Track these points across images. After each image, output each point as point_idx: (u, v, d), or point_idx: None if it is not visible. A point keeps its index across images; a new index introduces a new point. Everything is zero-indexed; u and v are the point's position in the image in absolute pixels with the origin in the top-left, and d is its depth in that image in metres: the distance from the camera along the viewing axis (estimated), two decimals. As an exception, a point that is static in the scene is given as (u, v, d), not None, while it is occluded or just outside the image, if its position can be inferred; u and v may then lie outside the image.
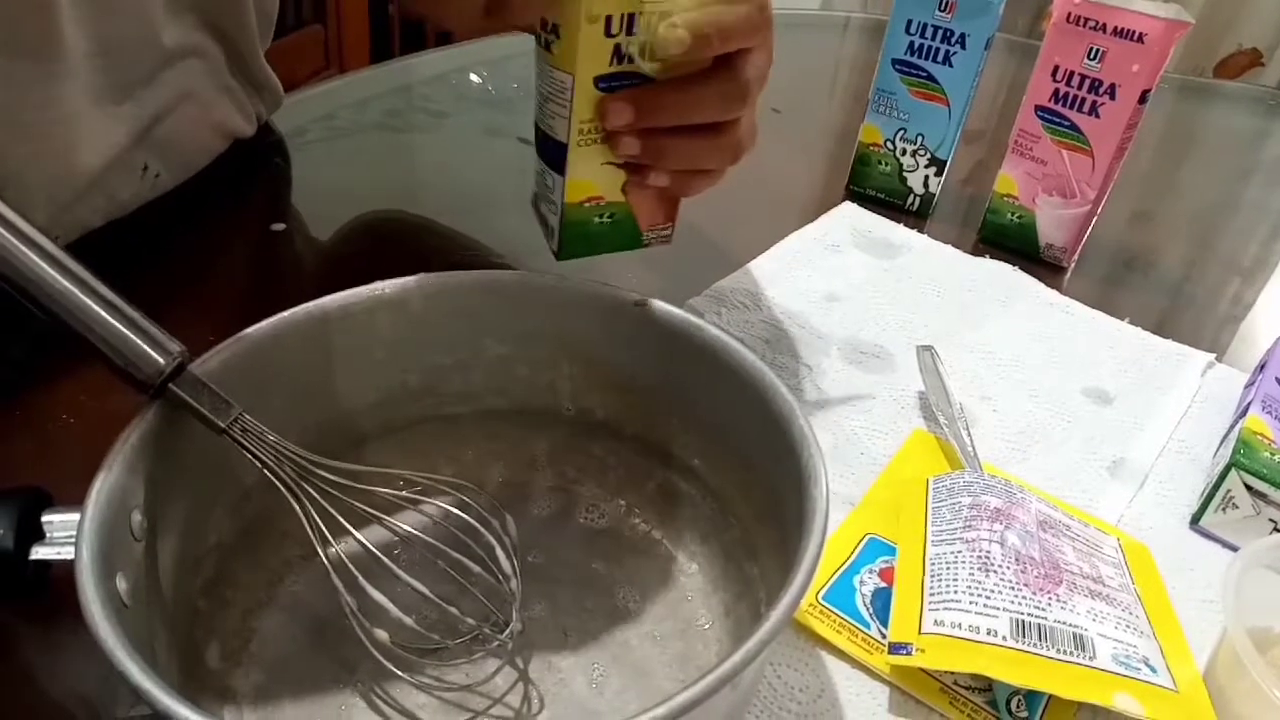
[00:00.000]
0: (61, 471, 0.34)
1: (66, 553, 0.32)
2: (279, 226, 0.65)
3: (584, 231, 0.47)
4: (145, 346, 0.34)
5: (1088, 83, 0.63)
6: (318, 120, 0.77)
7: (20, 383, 0.51)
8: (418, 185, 0.74)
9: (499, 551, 0.38)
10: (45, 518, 0.33)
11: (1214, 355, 0.62)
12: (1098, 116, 0.64)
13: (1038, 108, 0.66)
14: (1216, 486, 0.49)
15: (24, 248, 0.33)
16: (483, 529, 0.38)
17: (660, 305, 0.41)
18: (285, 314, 0.39)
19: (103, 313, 0.34)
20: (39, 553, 0.33)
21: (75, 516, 0.31)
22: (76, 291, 0.34)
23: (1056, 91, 0.65)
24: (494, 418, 0.45)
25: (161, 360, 0.34)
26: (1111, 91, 0.63)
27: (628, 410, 0.44)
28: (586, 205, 0.46)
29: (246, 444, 0.35)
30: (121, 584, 0.31)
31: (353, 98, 0.82)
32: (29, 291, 0.33)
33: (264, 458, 0.35)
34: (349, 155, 0.75)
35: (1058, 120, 0.65)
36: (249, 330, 0.38)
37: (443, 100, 0.85)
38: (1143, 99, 0.63)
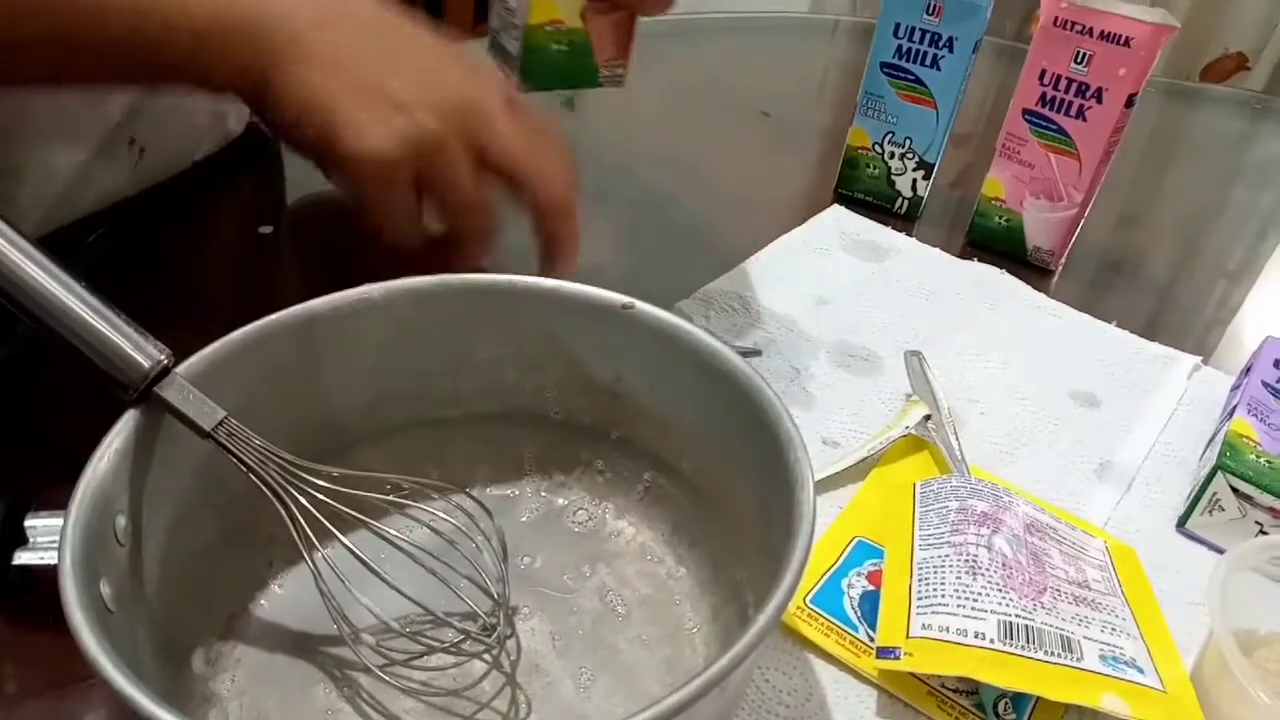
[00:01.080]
0: (44, 476, 0.34)
1: (50, 557, 0.31)
2: (267, 229, 0.64)
3: (544, 58, 0.52)
4: (129, 350, 0.34)
5: (1075, 86, 0.64)
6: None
7: (3, 385, 0.51)
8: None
9: (486, 555, 0.38)
10: (28, 522, 0.33)
11: (1200, 358, 0.62)
12: (1084, 120, 0.64)
13: (1025, 111, 0.66)
14: (1203, 489, 0.49)
15: (9, 251, 0.33)
16: (470, 533, 0.38)
17: (648, 308, 0.41)
18: (272, 317, 0.39)
19: (87, 316, 0.34)
20: (22, 558, 0.33)
21: (58, 521, 0.31)
22: (61, 295, 0.33)
23: (1044, 95, 0.65)
24: (482, 421, 0.45)
25: (146, 364, 0.34)
26: (1098, 95, 0.63)
27: (615, 414, 0.44)
28: (547, 29, 0.51)
29: (232, 448, 0.35)
30: (105, 589, 0.31)
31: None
32: (13, 295, 0.33)
33: (249, 462, 0.35)
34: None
35: (1045, 124, 0.65)
36: (235, 333, 0.38)
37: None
38: (1129, 103, 0.63)
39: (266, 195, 0.69)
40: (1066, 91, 0.64)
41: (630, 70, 0.58)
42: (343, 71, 0.44)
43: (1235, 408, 0.52)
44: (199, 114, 0.66)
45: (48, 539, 0.33)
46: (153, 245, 0.62)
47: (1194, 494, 0.50)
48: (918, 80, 0.69)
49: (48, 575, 0.30)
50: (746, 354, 0.39)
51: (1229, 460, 0.48)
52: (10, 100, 0.52)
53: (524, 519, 0.45)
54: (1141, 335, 0.64)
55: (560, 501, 0.46)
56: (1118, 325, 0.65)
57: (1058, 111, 0.65)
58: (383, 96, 0.44)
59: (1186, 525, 0.50)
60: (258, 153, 0.71)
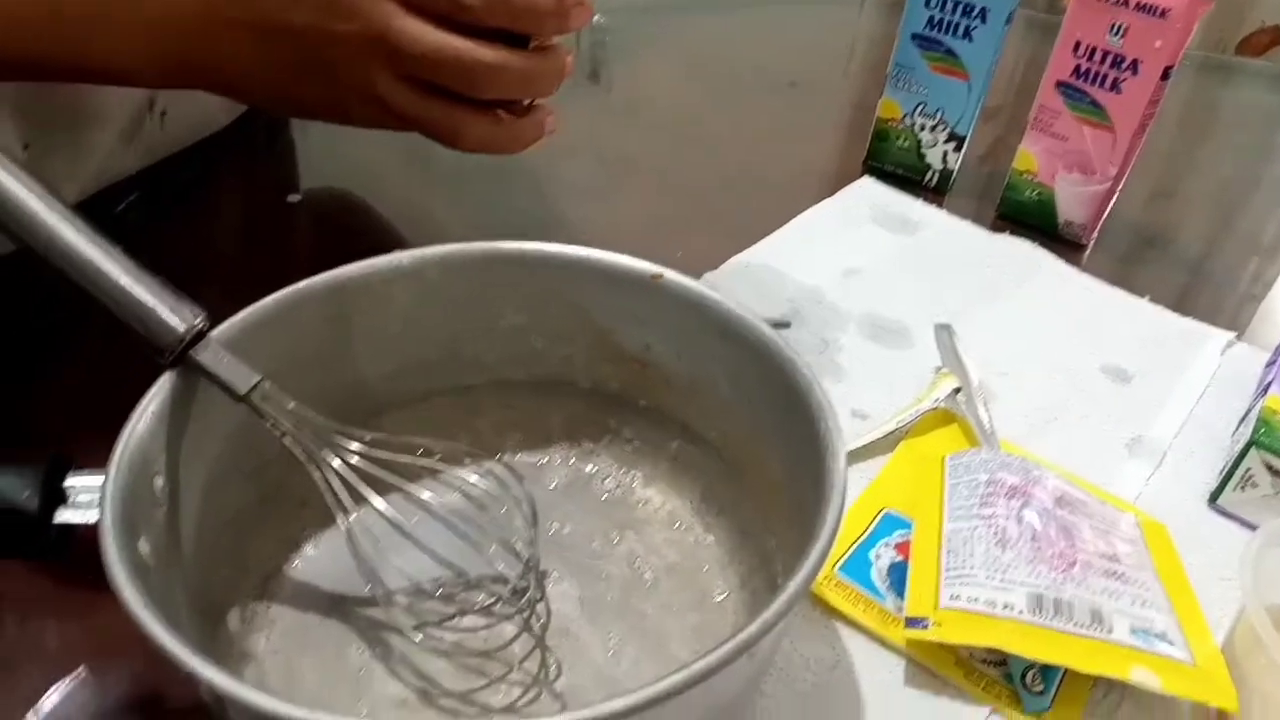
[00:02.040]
0: (82, 437, 0.35)
1: (90, 516, 0.32)
2: (295, 198, 0.65)
3: None
4: (166, 314, 0.34)
5: (1110, 58, 0.63)
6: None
7: (41, 349, 0.51)
8: (434, 156, 0.74)
9: (517, 519, 0.38)
10: (68, 481, 0.34)
11: (1234, 334, 0.62)
12: (1119, 92, 0.63)
13: (1059, 83, 0.65)
14: (1236, 465, 0.48)
15: (47, 214, 0.33)
16: (501, 497, 0.38)
17: (678, 278, 0.41)
18: (303, 283, 0.39)
19: (124, 280, 0.34)
20: (62, 516, 0.33)
21: (98, 480, 0.32)
22: (99, 259, 0.34)
23: (1078, 67, 0.64)
24: (510, 389, 0.45)
25: (181, 327, 0.34)
26: (1134, 67, 0.62)
27: (644, 382, 0.44)
28: None
29: (266, 411, 0.35)
30: (144, 547, 0.32)
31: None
32: (52, 259, 0.34)
33: (284, 425, 0.35)
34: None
35: (1079, 96, 0.65)
36: (265, 300, 0.39)
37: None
38: (1165, 75, 0.62)
39: (293, 164, 0.70)
40: (1101, 63, 0.63)
41: None
42: None
43: (1270, 384, 0.51)
44: None
45: (87, 498, 0.33)
46: (181, 214, 0.62)
47: (1226, 470, 0.49)
48: (949, 51, 0.68)
49: (87, 534, 0.31)
50: (775, 326, 0.38)
51: (1263, 436, 0.47)
52: None
53: (552, 486, 0.45)
54: (1174, 310, 0.63)
55: (588, 469, 0.46)
56: (1150, 300, 0.64)
57: (1092, 84, 0.64)
58: None
59: (1218, 501, 0.50)
60: (283, 122, 0.71)
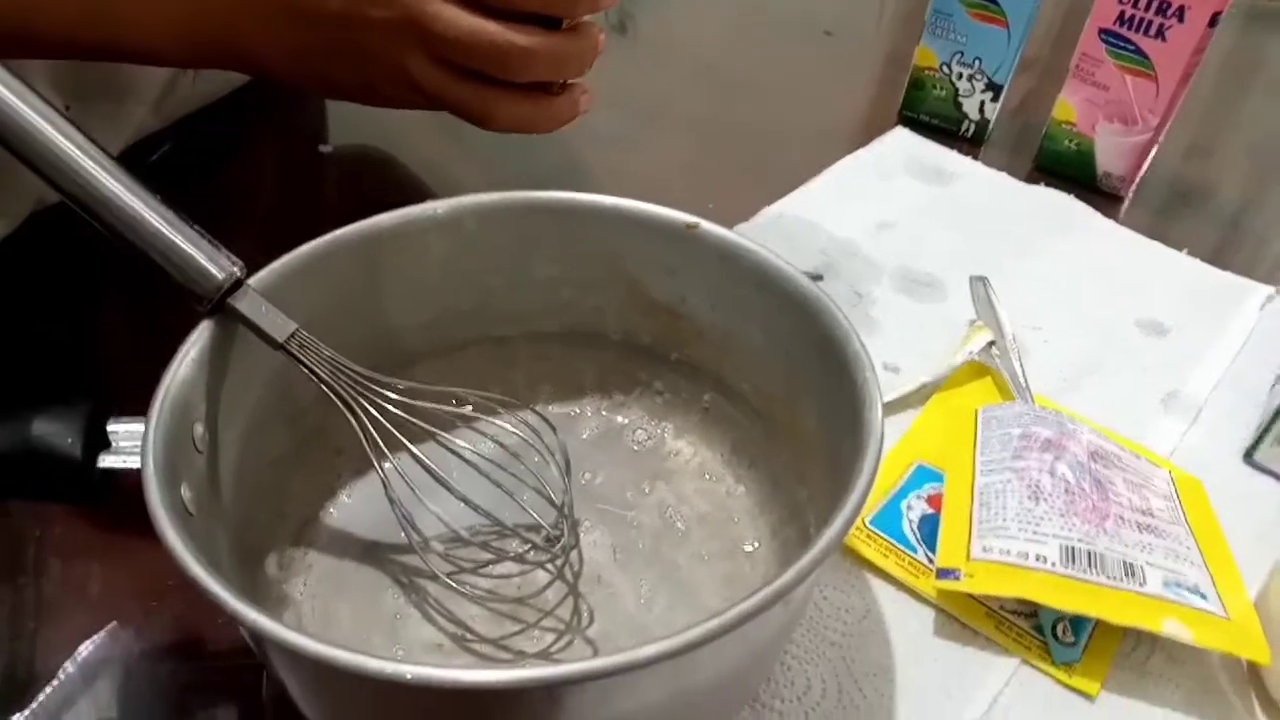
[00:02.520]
0: (123, 384, 0.35)
1: (132, 462, 0.32)
2: (327, 148, 0.65)
3: None
4: (205, 262, 0.35)
5: (1155, 4, 0.61)
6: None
7: (82, 298, 0.52)
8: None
9: (551, 467, 0.38)
10: (110, 427, 0.34)
11: (1274, 288, 0.61)
12: (1164, 40, 0.62)
13: (1101, 30, 0.64)
14: (1273, 420, 0.48)
15: (90, 164, 0.33)
16: (535, 445, 0.38)
17: (712, 227, 0.41)
18: (339, 232, 0.39)
19: (164, 229, 0.34)
20: (106, 461, 0.33)
21: (140, 427, 0.32)
22: (139, 207, 0.34)
23: (1122, 14, 0.62)
24: (543, 340, 0.45)
25: (220, 275, 0.35)
26: (1180, 14, 0.60)
27: (676, 334, 0.44)
28: None
29: (304, 359, 0.36)
30: (186, 493, 0.32)
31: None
32: (93, 208, 0.34)
33: (321, 373, 0.36)
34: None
35: (1122, 44, 0.63)
36: (301, 249, 0.39)
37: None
38: (1213, 22, 0.60)
39: (324, 114, 0.69)
40: (1147, 10, 0.61)
41: None
42: None
43: (1311, 338, 0.51)
44: None
45: (130, 444, 0.33)
46: (213, 165, 0.62)
47: (1264, 425, 0.49)
48: (990, -3, 0.67)
49: (127, 481, 0.32)
50: (808, 278, 0.38)
51: (1303, 391, 0.47)
52: None
53: (584, 436, 0.45)
54: (1212, 264, 0.62)
55: (620, 420, 0.46)
56: (1188, 254, 0.63)
57: (1136, 31, 0.62)
58: None
59: (1254, 457, 0.49)
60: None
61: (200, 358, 0.35)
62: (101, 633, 0.38)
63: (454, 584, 0.38)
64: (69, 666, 0.37)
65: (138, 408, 0.33)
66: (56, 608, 0.40)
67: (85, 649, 0.38)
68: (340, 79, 0.49)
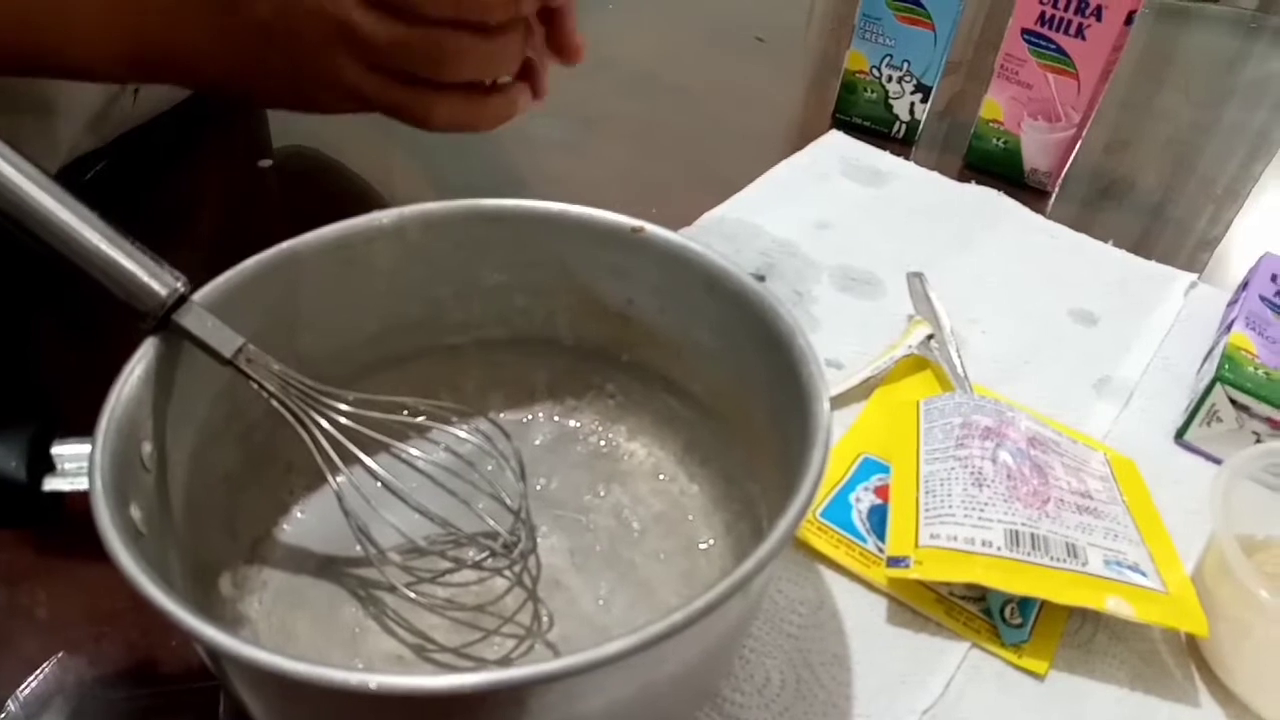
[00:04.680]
0: (66, 405, 0.35)
1: (79, 484, 0.32)
2: (266, 163, 0.64)
3: None
4: (147, 278, 0.34)
5: (1074, 4, 0.63)
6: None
7: (21, 317, 0.51)
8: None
9: (506, 474, 0.38)
10: (55, 450, 0.33)
11: (1196, 275, 0.63)
12: (1084, 39, 0.64)
13: (1024, 31, 0.66)
14: (1201, 401, 0.50)
15: (24, 182, 0.33)
16: (489, 452, 0.38)
17: (658, 231, 0.41)
18: (283, 245, 0.39)
19: (102, 245, 0.34)
20: (51, 484, 0.33)
21: (85, 448, 0.32)
22: (76, 224, 0.33)
23: (1043, 14, 0.64)
24: (494, 347, 0.45)
25: (163, 292, 0.34)
26: (1098, 13, 0.63)
27: (626, 337, 0.44)
28: None
29: (252, 374, 0.35)
30: (135, 513, 0.31)
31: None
32: (29, 226, 0.33)
33: (270, 387, 0.35)
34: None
35: (1044, 43, 0.65)
36: (246, 263, 0.38)
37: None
38: (1129, 20, 0.63)
39: (262, 129, 0.69)
40: (1066, 10, 0.64)
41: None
42: None
43: (1233, 322, 0.53)
44: None
45: (75, 465, 0.33)
46: (150, 182, 0.61)
47: (1192, 406, 0.51)
48: (916, 2, 0.68)
49: (75, 504, 0.31)
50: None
51: (1228, 372, 0.49)
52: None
53: (537, 442, 0.45)
54: (1135, 254, 0.65)
55: (573, 424, 0.46)
56: (1114, 244, 0.65)
57: (1057, 30, 0.64)
58: None
59: (1185, 437, 0.51)
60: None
61: (146, 375, 0.34)
62: (46, 665, 0.37)
63: (412, 594, 0.38)
64: (11, 705, 0.36)
65: (83, 429, 0.32)
66: (3, 637, 0.39)
67: (30, 685, 0.37)
68: (276, 89, 0.49)
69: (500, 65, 0.48)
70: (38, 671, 0.37)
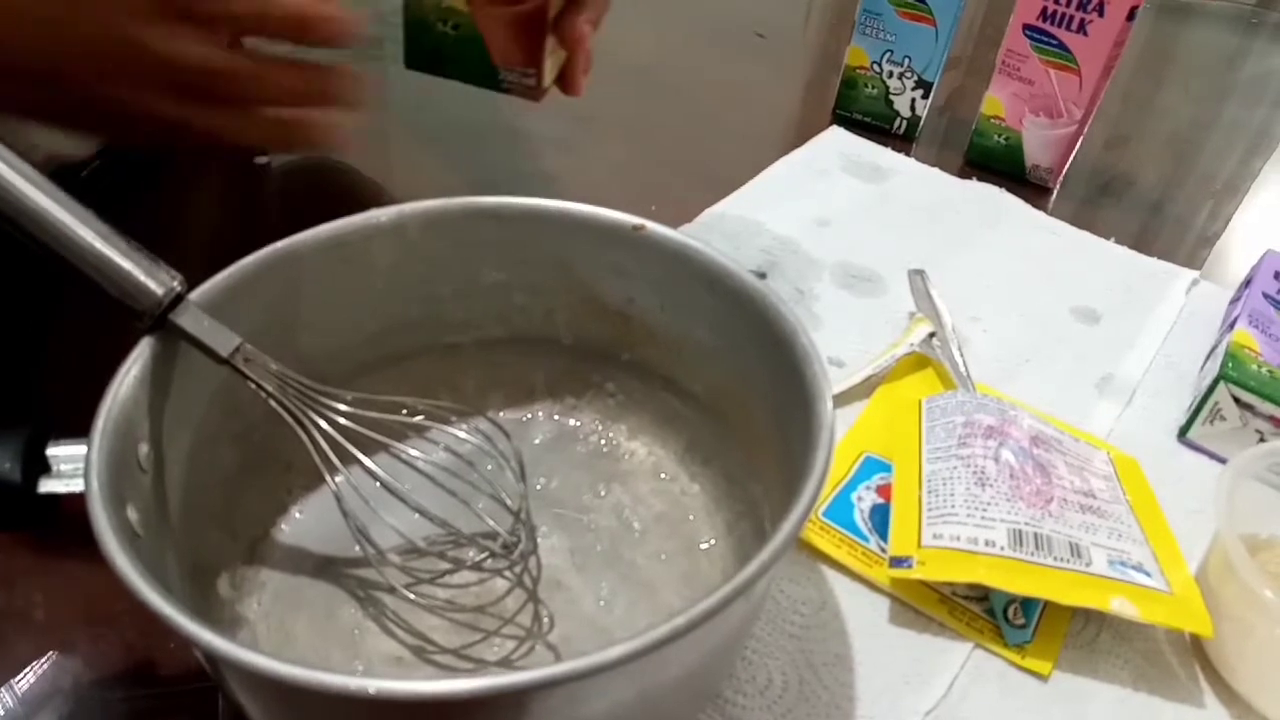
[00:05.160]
0: (62, 406, 0.34)
1: (75, 485, 0.31)
2: (263, 159, 0.64)
3: (429, 36, 0.47)
4: (143, 277, 0.34)
5: (1076, 0, 0.63)
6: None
7: (16, 317, 0.50)
8: (400, 114, 0.73)
9: (506, 474, 0.38)
10: (51, 451, 0.33)
11: (1197, 273, 0.63)
12: (1086, 34, 0.64)
13: (1026, 26, 0.65)
14: (1204, 399, 0.49)
15: (19, 181, 0.32)
16: (489, 452, 0.38)
17: (659, 229, 0.41)
18: (281, 243, 0.39)
19: (98, 244, 0.33)
20: (47, 486, 0.33)
21: (81, 449, 0.31)
22: (72, 224, 0.33)
23: (1045, 9, 0.64)
24: (493, 346, 0.45)
25: (159, 291, 0.34)
26: (1100, 9, 0.62)
27: (627, 336, 0.44)
28: (429, 2, 0.46)
29: (249, 374, 0.35)
30: (132, 514, 0.31)
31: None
32: (25, 225, 0.33)
33: (268, 387, 0.35)
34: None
35: (1046, 39, 0.65)
36: (244, 261, 0.38)
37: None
38: (1131, 15, 0.62)
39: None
40: (1068, 5, 0.63)
41: (548, 83, 0.51)
42: None
43: (1236, 319, 0.52)
44: None
45: (71, 467, 0.33)
46: (146, 180, 0.61)
47: (1195, 404, 0.50)
48: (917, -4, 0.68)
49: (71, 505, 0.31)
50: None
51: (1231, 370, 0.48)
52: None
53: (537, 441, 0.45)
54: (1135, 251, 0.64)
55: (573, 424, 0.46)
56: (1115, 242, 0.65)
57: (1059, 26, 0.64)
58: None
59: (1188, 435, 0.51)
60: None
61: (142, 376, 0.34)
62: (42, 661, 0.37)
63: (412, 595, 0.38)
64: (8, 699, 0.36)
65: (79, 430, 0.32)
66: (0, 639, 0.38)
67: (25, 679, 0.37)
68: (86, 125, 0.50)
69: (296, 94, 0.48)
70: (32, 667, 0.37)
